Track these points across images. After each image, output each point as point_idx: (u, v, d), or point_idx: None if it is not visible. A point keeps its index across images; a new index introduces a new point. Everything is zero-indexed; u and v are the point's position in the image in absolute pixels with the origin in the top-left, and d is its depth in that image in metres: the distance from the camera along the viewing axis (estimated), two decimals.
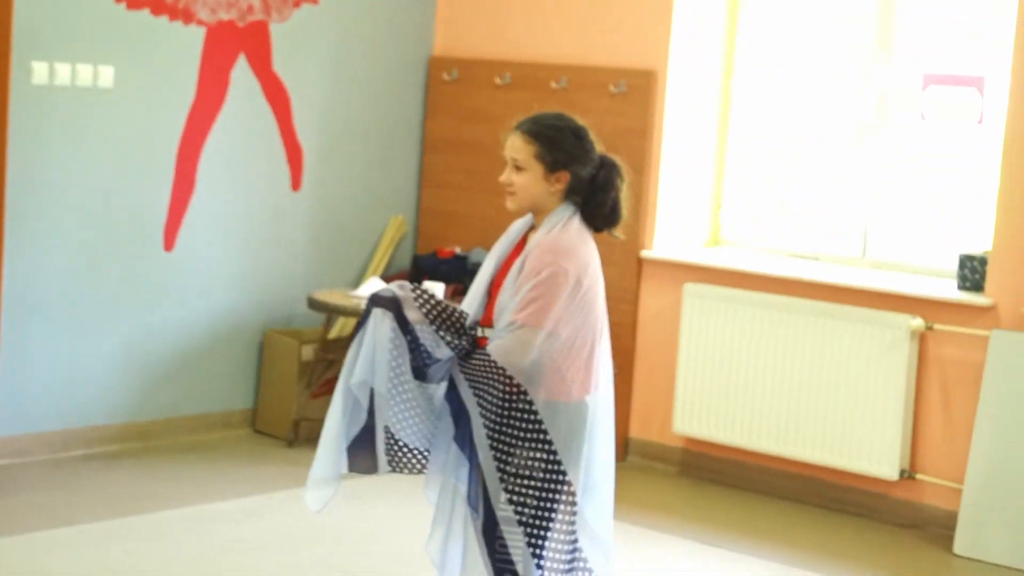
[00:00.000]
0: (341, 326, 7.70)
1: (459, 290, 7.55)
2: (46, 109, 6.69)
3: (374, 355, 4.15)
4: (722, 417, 7.10)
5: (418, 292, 4.19)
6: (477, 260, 7.72)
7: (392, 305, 4.16)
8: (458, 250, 7.88)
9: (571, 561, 4.20)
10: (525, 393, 4.10)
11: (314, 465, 4.24)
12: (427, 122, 8.15)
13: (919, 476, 6.62)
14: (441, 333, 4.17)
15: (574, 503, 4.17)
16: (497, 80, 7.83)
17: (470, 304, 4.30)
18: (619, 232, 4.32)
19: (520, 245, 4.29)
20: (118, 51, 6.90)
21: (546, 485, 4.14)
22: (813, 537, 6.50)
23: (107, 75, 6.86)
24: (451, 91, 8.02)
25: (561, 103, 7.51)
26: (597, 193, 4.23)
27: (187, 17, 7.10)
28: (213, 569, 5.63)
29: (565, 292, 4.09)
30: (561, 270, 4.09)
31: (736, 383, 7.05)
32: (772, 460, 7.04)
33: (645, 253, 7.38)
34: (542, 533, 4.15)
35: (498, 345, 4.08)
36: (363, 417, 4.20)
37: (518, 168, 4.20)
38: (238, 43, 7.33)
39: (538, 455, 4.14)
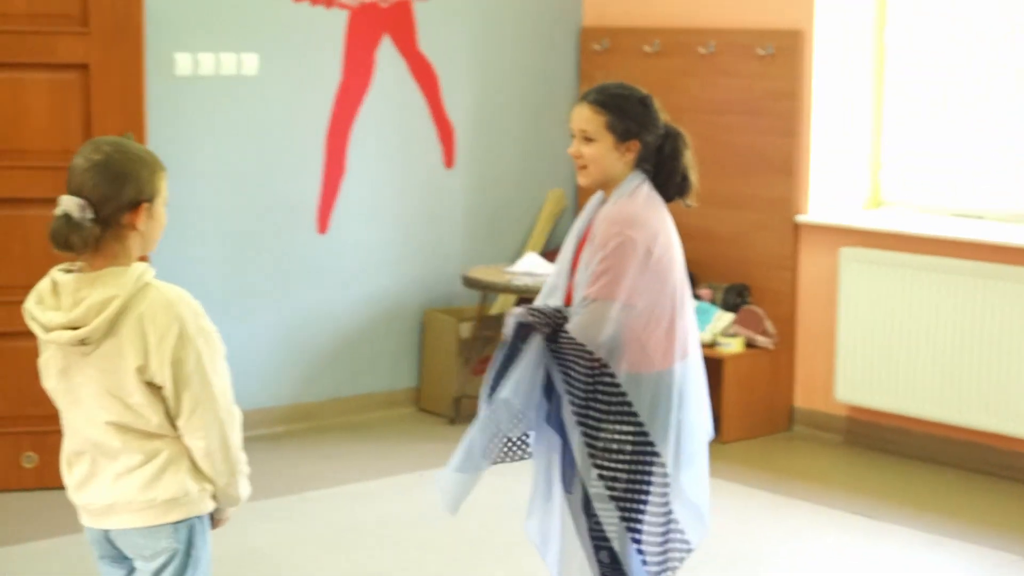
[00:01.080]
0: (502, 303, 7.69)
1: None
2: (191, 99, 6.79)
3: (531, 380, 4.10)
4: (885, 384, 6.89)
5: (534, 312, 4.12)
6: None
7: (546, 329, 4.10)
8: None
9: (666, 532, 4.13)
10: (607, 367, 4.03)
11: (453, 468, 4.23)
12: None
13: None
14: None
15: (666, 474, 4.10)
16: (647, 48, 7.71)
17: (554, 285, 4.24)
18: (691, 200, 4.22)
19: (593, 223, 4.21)
20: (261, 38, 6.98)
21: (636, 458, 4.07)
22: (979, 505, 6.27)
23: (251, 63, 6.94)
24: (602, 61, 7.93)
25: (709, 68, 7.42)
26: (666, 162, 4.15)
27: (329, 1, 7.14)
28: (348, 547, 5.67)
29: (635, 262, 4.01)
30: (628, 240, 4.01)
31: (898, 349, 6.83)
32: (937, 427, 6.81)
33: (800, 218, 7.20)
34: (636, 507, 4.09)
35: (576, 322, 4.02)
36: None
37: (587, 139, 4.12)
38: (382, 24, 7.35)
39: (625, 428, 4.07)
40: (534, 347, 4.07)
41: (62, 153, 5.69)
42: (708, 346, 7.14)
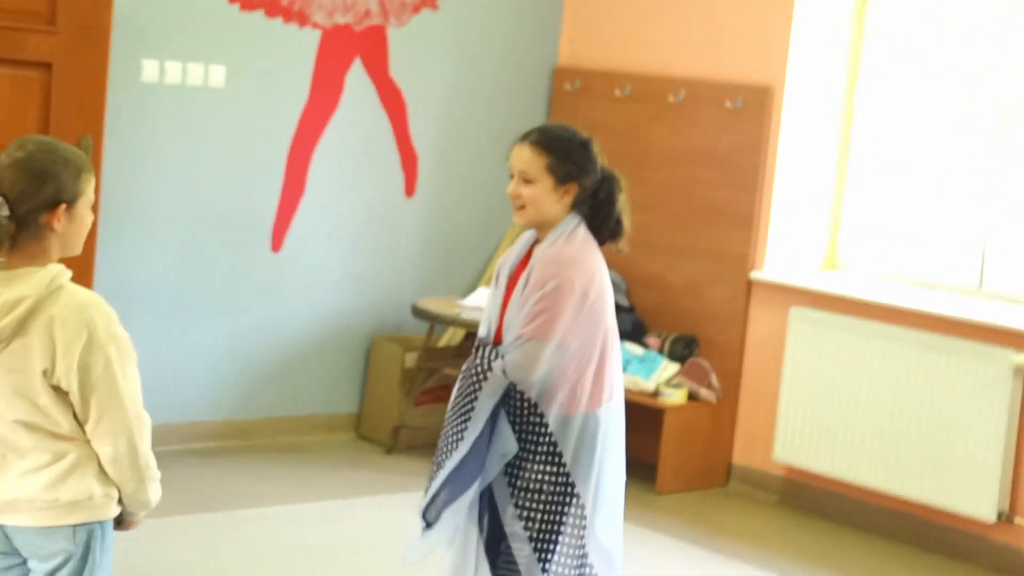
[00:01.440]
0: (450, 335, 7.67)
1: None
2: (155, 107, 6.77)
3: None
4: (824, 447, 6.88)
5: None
6: None
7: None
8: None
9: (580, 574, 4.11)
10: (536, 407, 4.03)
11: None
12: None
13: (1018, 520, 6.33)
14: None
15: (583, 516, 4.09)
16: (617, 92, 7.71)
17: (485, 324, 4.23)
18: (623, 244, 4.22)
19: (526, 259, 4.20)
20: (230, 51, 6.96)
21: (555, 499, 4.07)
22: None
23: (218, 75, 6.92)
24: (572, 101, 7.93)
25: (678, 117, 7.42)
26: (602, 206, 4.15)
27: (302, 20, 7.13)
28: (272, 569, 5.63)
29: (572, 304, 4.02)
30: (566, 281, 4.02)
31: (840, 413, 6.82)
32: (870, 495, 6.80)
33: (755, 274, 7.19)
34: (550, 547, 4.07)
35: (508, 361, 4.02)
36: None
37: (526, 180, 4.11)
38: (354, 47, 7.34)
39: (548, 468, 4.08)
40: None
41: None
42: (651, 395, 7.13)
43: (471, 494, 4.13)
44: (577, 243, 4.09)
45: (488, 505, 4.12)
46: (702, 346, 7.38)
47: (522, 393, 4.03)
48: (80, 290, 3.31)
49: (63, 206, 3.29)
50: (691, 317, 7.45)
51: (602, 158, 4.20)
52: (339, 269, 7.45)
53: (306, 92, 7.22)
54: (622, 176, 4.23)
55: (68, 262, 3.38)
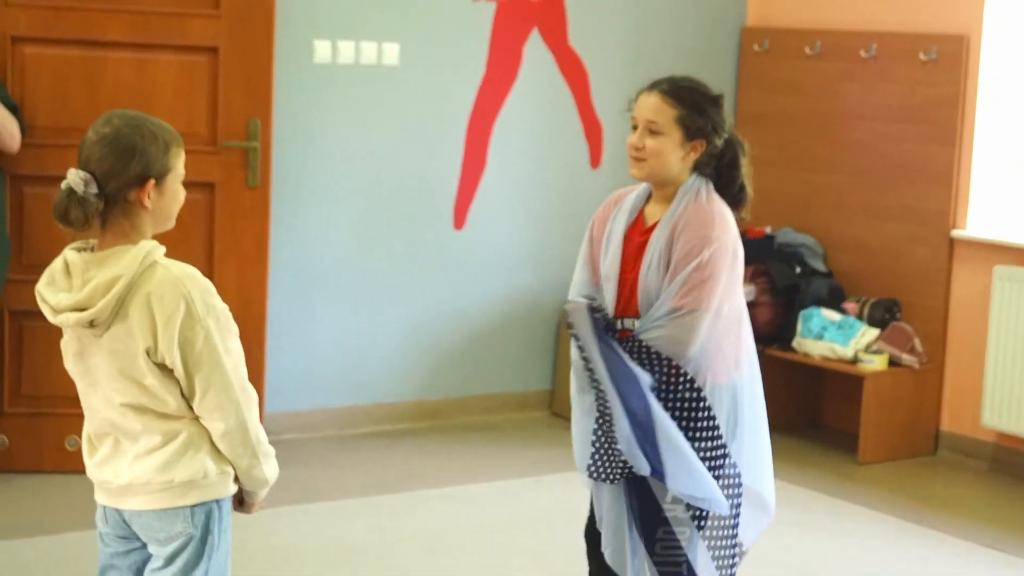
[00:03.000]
0: None
1: (760, 271, 7.17)
2: (329, 87, 6.71)
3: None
4: None
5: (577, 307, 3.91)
6: (784, 240, 7.34)
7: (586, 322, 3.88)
8: (768, 230, 7.48)
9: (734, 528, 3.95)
10: (692, 381, 3.81)
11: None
12: (739, 95, 7.78)
13: None
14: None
15: (737, 471, 3.92)
16: (807, 50, 7.40)
17: (606, 276, 3.97)
18: (746, 213, 3.96)
19: (638, 220, 3.95)
20: (403, 29, 6.86)
21: (713, 464, 3.87)
22: None
23: (392, 52, 6.83)
24: (761, 62, 7.64)
25: (870, 72, 7.12)
26: (726, 170, 3.91)
27: None
28: (445, 547, 5.52)
29: (726, 267, 3.81)
30: (721, 245, 3.80)
31: None
32: None
33: (957, 233, 6.82)
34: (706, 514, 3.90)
35: (661, 336, 3.78)
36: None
37: (652, 132, 3.87)
38: (531, 18, 7.18)
39: (707, 444, 3.88)
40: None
41: (185, 135, 5.62)
42: (849, 362, 6.82)
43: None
44: (716, 202, 3.88)
45: (637, 492, 3.92)
46: (904, 310, 7.03)
47: (677, 367, 3.80)
48: (175, 264, 3.21)
49: (152, 181, 3.19)
50: (891, 280, 7.11)
51: (730, 119, 3.95)
52: (524, 244, 7.29)
53: (483, 66, 7.08)
54: (745, 141, 3.99)
55: (164, 239, 3.28)
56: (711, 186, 3.90)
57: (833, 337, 6.88)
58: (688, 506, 3.88)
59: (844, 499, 6.30)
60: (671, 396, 3.83)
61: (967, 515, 6.19)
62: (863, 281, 7.21)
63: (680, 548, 3.92)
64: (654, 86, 3.93)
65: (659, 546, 3.92)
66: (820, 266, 7.27)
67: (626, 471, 3.90)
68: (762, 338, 7.12)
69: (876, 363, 6.79)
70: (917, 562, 5.62)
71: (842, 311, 7.03)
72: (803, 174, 7.42)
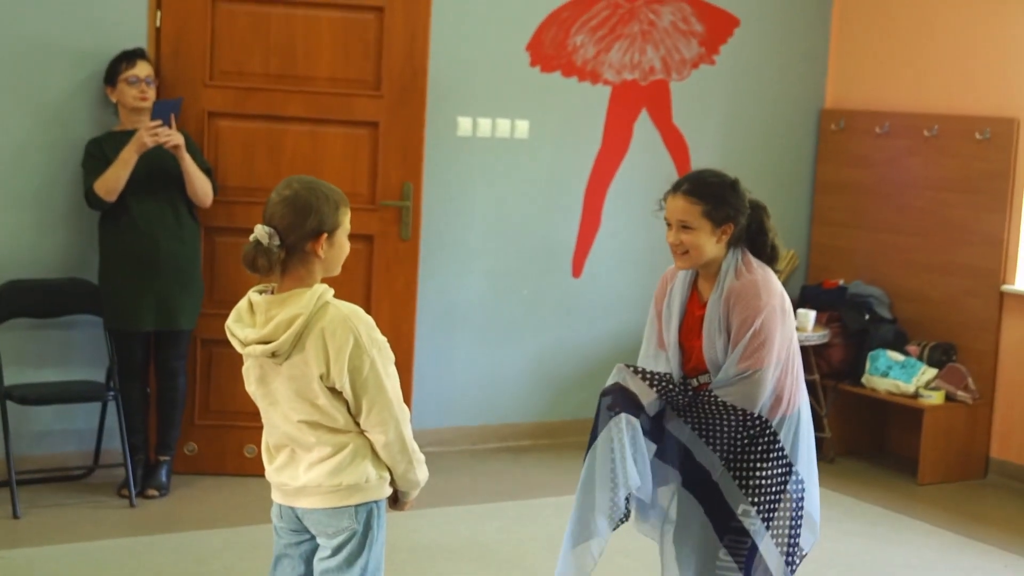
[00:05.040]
0: None
1: (834, 317, 7.14)
2: (469, 156, 6.80)
3: (625, 460, 3.95)
4: None
5: (636, 369, 3.99)
6: (856, 291, 7.29)
7: (620, 399, 3.95)
8: (841, 282, 7.45)
9: (794, 538, 3.96)
10: (763, 420, 3.86)
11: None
12: (818, 167, 7.76)
13: None
14: (665, 395, 3.95)
15: (801, 485, 3.94)
16: (877, 129, 7.37)
17: (651, 356, 4.07)
18: (780, 266, 3.98)
19: (693, 296, 3.99)
20: (533, 107, 6.94)
21: (780, 480, 3.89)
22: None
23: (523, 128, 6.91)
24: (838, 139, 7.62)
25: (932, 149, 7.05)
26: (756, 236, 3.92)
27: (594, 78, 7.05)
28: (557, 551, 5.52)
29: (778, 326, 3.82)
30: (771, 309, 3.81)
31: None
32: None
33: (1006, 287, 6.74)
34: (774, 516, 3.93)
35: (733, 391, 3.83)
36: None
37: (685, 228, 3.87)
38: (641, 99, 7.22)
39: (777, 468, 3.91)
40: (615, 432, 3.94)
41: (350, 195, 5.70)
42: (911, 397, 6.76)
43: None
44: (756, 268, 3.88)
45: (704, 505, 3.94)
46: (959, 352, 6.96)
47: (752, 414, 3.84)
48: (343, 304, 3.29)
49: (324, 235, 3.28)
50: (948, 326, 7.03)
51: (747, 191, 3.95)
52: (630, 290, 7.31)
53: (599, 139, 7.14)
54: (764, 203, 4.00)
55: (334, 282, 3.36)
56: (748, 255, 3.90)
57: (897, 375, 6.82)
58: (758, 510, 3.89)
59: (905, 515, 6.23)
60: (744, 433, 3.88)
61: (1013, 531, 6.10)
62: (924, 327, 7.14)
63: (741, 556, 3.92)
64: (677, 188, 3.91)
65: (721, 552, 3.93)
66: (886, 314, 7.22)
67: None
68: (835, 374, 7.11)
69: (934, 398, 6.72)
70: (969, 570, 5.55)
71: (905, 353, 6.97)
72: (873, 234, 7.38)
